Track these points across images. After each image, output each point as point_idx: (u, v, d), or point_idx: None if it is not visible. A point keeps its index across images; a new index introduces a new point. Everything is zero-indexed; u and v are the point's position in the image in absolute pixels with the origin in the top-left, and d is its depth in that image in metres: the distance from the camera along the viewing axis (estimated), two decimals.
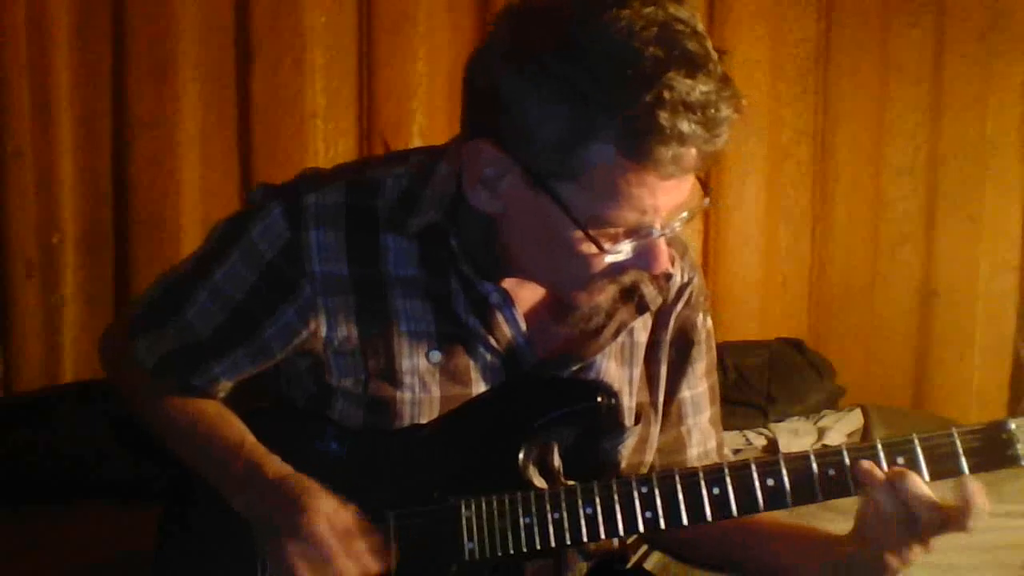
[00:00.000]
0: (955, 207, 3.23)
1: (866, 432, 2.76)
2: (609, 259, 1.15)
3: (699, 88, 1.03)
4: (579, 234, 1.12)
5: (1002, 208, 3.23)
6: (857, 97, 3.17)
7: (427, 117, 2.71)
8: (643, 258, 1.16)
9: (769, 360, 2.96)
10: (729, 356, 2.91)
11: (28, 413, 2.38)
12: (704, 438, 1.42)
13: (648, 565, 2.04)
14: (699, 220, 3.07)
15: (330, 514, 1.18)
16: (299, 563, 1.17)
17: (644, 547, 2.13)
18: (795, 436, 2.69)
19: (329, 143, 2.69)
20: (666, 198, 1.11)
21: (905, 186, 3.23)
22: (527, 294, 1.30)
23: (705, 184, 1.17)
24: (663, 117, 1.02)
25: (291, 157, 2.64)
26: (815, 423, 2.79)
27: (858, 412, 2.85)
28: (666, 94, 1.02)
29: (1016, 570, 2.07)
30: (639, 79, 1.02)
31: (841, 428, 2.76)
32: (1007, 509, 2.30)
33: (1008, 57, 3.17)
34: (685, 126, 1.03)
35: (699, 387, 1.41)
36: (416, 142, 2.69)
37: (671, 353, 1.39)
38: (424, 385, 1.25)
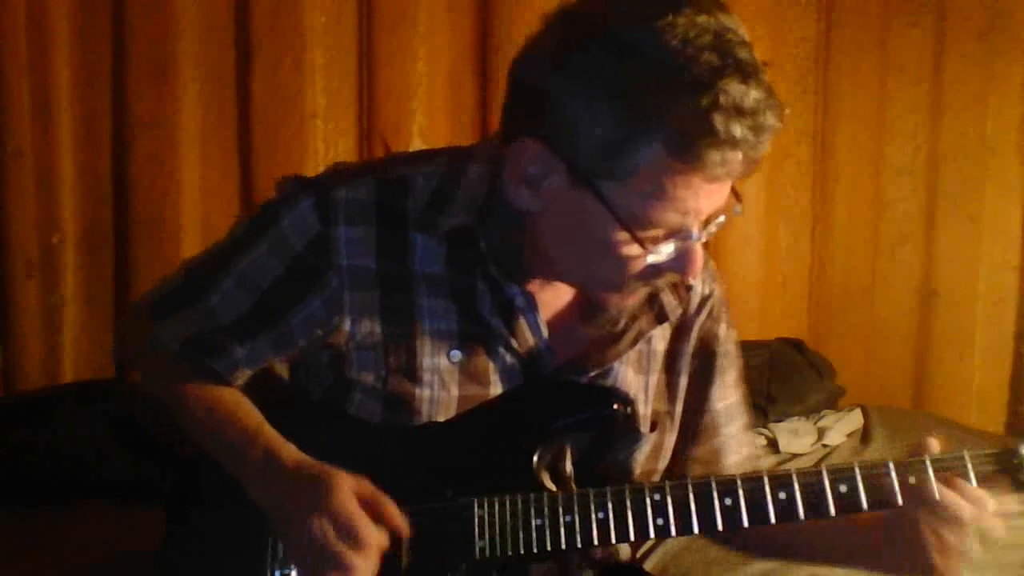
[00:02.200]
0: (955, 207, 3.23)
1: (866, 432, 2.76)
2: (649, 260, 1.16)
3: (752, 95, 1.06)
4: (622, 234, 1.13)
5: (1002, 208, 3.23)
6: (857, 97, 3.17)
7: (427, 117, 2.71)
8: (679, 261, 1.17)
9: (769, 360, 2.95)
10: None
11: (28, 413, 2.38)
12: (740, 446, 1.44)
13: (648, 566, 2.05)
14: None
15: (352, 489, 1.18)
16: (326, 537, 1.16)
17: (643, 550, 2.13)
18: (795, 436, 2.69)
19: (329, 143, 2.69)
20: (707, 202, 1.13)
21: (905, 186, 3.23)
22: (551, 297, 1.31)
23: (738, 192, 1.19)
24: (718, 121, 1.04)
25: (291, 157, 2.64)
26: (815, 423, 2.79)
27: (858, 412, 2.85)
28: (722, 99, 1.04)
29: (1016, 570, 2.07)
30: (695, 83, 1.05)
31: (841, 428, 2.75)
32: (1006, 509, 2.30)
33: (1008, 57, 3.17)
34: (737, 130, 1.05)
35: (731, 397, 1.43)
36: (416, 142, 2.69)
37: (694, 364, 1.40)
38: (443, 384, 1.26)
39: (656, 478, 1.37)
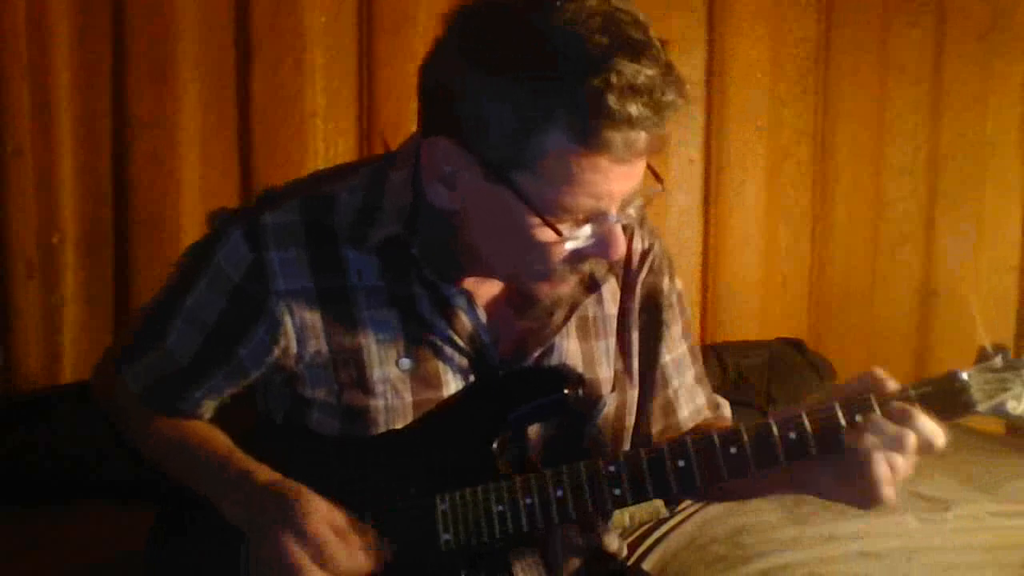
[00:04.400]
0: (955, 207, 3.23)
1: None
2: (568, 246, 1.17)
3: (644, 72, 1.06)
4: (537, 221, 1.14)
5: (1002, 208, 3.23)
6: (857, 97, 3.18)
7: None
8: (600, 245, 1.18)
9: (769, 360, 2.96)
10: (729, 356, 2.91)
11: (28, 413, 2.37)
12: (692, 396, 1.45)
13: (647, 565, 2.05)
14: (699, 220, 3.08)
15: (325, 513, 1.20)
16: (299, 560, 1.18)
17: (642, 548, 2.14)
18: None
19: (329, 143, 2.69)
20: (620, 184, 1.13)
21: (905, 186, 3.24)
22: (487, 291, 1.32)
23: (656, 172, 1.20)
24: (611, 100, 1.05)
25: (291, 157, 2.64)
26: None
27: None
28: (613, 78, 1.05)
29: (1016, 570, 2.07)
30: (586, 65, 1.05)
31: None
32: (1007, 509, 2.30)
33: (1008, 57, 3.17)
34: (633, 109, 1.06)
35: (678, 349, 1.44)
36: None
37: (642, 319, 1.41)
38: (396, 392, 1.27)
39: (627, 436, 1.39)
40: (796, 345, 3.06)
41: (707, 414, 1.46)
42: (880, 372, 1.20)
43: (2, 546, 2.04)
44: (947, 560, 2.07)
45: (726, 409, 1.49)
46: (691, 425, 1.43)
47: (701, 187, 3.07)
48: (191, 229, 2.58)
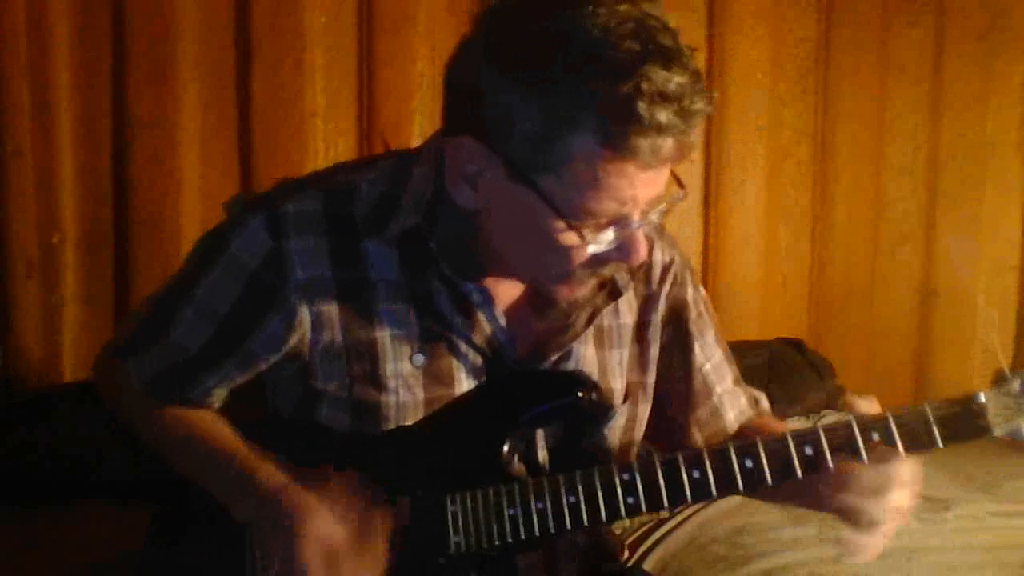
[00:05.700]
0: (955, 207, 3.23)
1: None
2: (591, 250, 1.16)
3: (675, 80, 1.06)
4: (561, 225, 1.14)
5: (1002, 208, 3.24)
6: (857, 97, 3.18)
7: (427, 117, 2.71)
8: (623, 250, 1.18)
9: (769, 360, 2.96)
10: None
11: (28, 413, 2.37)
12: (735, 399, 1.45)
13: (648, 565, 2.05)
14: (699, 220, 3.08)
15: (321, 536, 1.20)
16: (310, 564, 1.19)
17: (643, 548, 2.13)
18: None
19: (329, 143, 2.69)
20: (645, 190, 1.13)
21: (905, 186, 3.24)
22: (507, 291, 1.32)
23: (679, 179, 1.20)
24: (641, 107, 1.05)
25: (291, 157, 2.64)
26: (815, 423, 2.79)
27: None
28: (644, 85, 1.05)
29: (1016, 570, 2.07)
30: (617, 71, 1.05)
31: None
32: (1007, 509, 2.30)
33: (1008, 57, 3.17)
34: (663, 116, 1.06)
35: (716, 355, 1.45)
36: (416, 142, 2.68)
37: (667, 333, 1.41)
38: (408, 388, 1.26)
39: (634, 450, 1.39)
40: (796, 345, 3.06)
41: (750, 413, 1.46)
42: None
43: (2, 546, 2.04)
44: (947, 560, 2.07)
45: (764, 401, 1.50)
46: (736, 427, 1.44)
47: (701, 187, 3.07)
48: (191, 229, 2.58)
